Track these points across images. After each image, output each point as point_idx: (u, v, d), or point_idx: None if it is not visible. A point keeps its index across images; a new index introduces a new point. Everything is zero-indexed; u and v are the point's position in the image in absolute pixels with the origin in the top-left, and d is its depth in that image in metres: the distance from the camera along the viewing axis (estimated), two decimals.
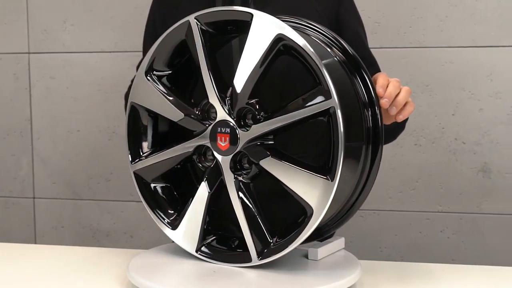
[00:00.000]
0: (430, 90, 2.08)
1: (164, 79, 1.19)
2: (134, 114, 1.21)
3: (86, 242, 2.38)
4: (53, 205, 2.41)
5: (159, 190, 1.21)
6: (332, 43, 1.14)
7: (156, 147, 1.21)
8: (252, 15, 1.06)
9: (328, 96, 1.00)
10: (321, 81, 1.01)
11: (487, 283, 1.16)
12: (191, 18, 1.13)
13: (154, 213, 1.20)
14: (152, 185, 1.21)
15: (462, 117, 2.08)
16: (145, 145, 1.22)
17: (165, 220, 1.19)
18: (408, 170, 2.13)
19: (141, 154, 1.21)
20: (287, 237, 1.05)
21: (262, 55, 1.05)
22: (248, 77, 1.06)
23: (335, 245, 1.20)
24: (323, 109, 1.01)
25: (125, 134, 1.22)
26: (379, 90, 1.10)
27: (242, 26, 1.10)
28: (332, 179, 1.00)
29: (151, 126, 1.23)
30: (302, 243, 1.07)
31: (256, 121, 1.08)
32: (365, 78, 1.11)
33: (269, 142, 1.09)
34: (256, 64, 1.06)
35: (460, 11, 2.06)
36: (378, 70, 1.44)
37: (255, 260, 1.08)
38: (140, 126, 1.22)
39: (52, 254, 1.36)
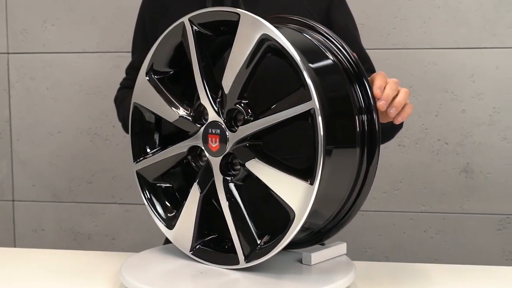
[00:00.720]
0: (414, 91, 2.10)
1: (165, 80, 1.20)
2: (137, 114, 1.23)
3: (67, 245, 2.35)
4: (33, 208, 2.37)
5: (160, 189, 1.23)
6: (334, 47, 1.13)
7: (159, 147, 1.23)
8: (239, 15, 1.05)
9: (308, 98, 0.98)
10: (303, 83, 0.99)
11: (483, 284, 1.17)
12: (185, 20, 1.12)
13: (153, 212, 1.21)
14: (154, 184, 1.22)
15: (445, 118, 2.10)
16: (148, 145, 1.23)
17: (163, 219, 1.20)
18: (392, 171, 2.14)
19: (143, 154, 1.23)
20: (273, 241, 1.04)
21: (248, 55, 1.04)
22: (235, 78, 1.05)
23: (334, 250, 1.18)
24: (303, 111, 0.98)
25: (129, 134, 1.25)
26: (376, 91, 1.08)
27: (233, 27, 1.09)
28: (312, 183, 0.97)
29: (154, 126, 1.24)
30: (300, 247, 1.06)
31: (245, 122, 1.07)
32: (365, 83, 1.09)
33: (257, 143, 1.08)
34: (243, 65, 1.06)
35: (443, 13, 2.07)
36: (371, 67, 1.44)
37: (242, 263, 1.07)
38: (143, 126, 1.23)
39: (36, 258, 1.34)
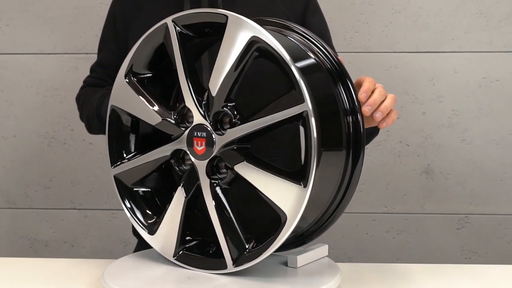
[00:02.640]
0: None
1: (145, 82, 1.17)
2: (115, 117, 1.19)
3: (23, 253, 2.27)
4: None
5: (139, 194, 1.20)
6: (315, 47, 1.13)
7: (137, 151, 1.19)
8: (227, 17, 1.04)
9: (300, 100, 0.97)
10: (294, 85, 0.98)
11: (469, 282, 1.20)
12: (169, 21, 1.10)
13: (133, 217, 1.18)
14: (132, 189, 1.19)
15: (406, 120, 2.14)
16: (126, 149, 1.20)
17: (144, 225, 1.17)
18: None
19: (121, 158, 1.20)
20: (262, 244, 1.03)
21: (237, 58, 1.02)
22: (223, 80, 1.04)
23: (317, 252, 1.18)
24: (295, 114, 0.98)
25: (106, 137, 1.21)
26: (361, 95, 1.08)
27: (218, 28, 1.08)
28: (306, 185, 0.97)
29: (132, 129, 1.21)
30: (283, 250, 1.05)
31: (232, 125, 1.06)
32: (348, 84, 1.10)
33: (245, 146, 1.06)
34: (231, 67, 1.04)
35: (403, 17, 2.12)
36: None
37: (230, 267, 1.06)
38: (121, 130, 1.20)
39: (6, 266, 1.29)
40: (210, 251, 1.13)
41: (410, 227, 2.18)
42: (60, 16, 2.19)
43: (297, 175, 0.99)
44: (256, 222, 1.13)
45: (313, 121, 0.96)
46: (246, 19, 1.03)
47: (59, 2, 2.18)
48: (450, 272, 1.24)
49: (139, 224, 1.18)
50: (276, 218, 1.04)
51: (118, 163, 1.20)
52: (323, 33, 1.45)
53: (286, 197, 0.99)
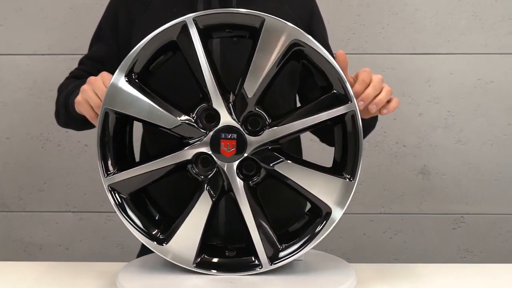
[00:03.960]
0: None
1: (148, 82, 1.12)
2: (109, 121, 1.11)
3: (17, 256, 2.23)
4: None
5: (141, 203, 1.14)
6: None
7: (142, 158, 1.15)
8: (264, 19, 1.04)
9: (346, 100, 1.05)
10: (333, 86, 1.04)
11: (481, 281, 1.21)
12: (189, 19, 1.07)
13: (136, 228, 1.11)
14: (131, 198, 1.12)
15: (402, 121, 2.16)
16: (122, 156, 1.13)
17: (151, 235, 1.11)
18: None
19: (119, 166, 1.11)
20: (303, 240, 1.07)
21: (277, 60, 1.04)
22: (261, 82, 1.04)
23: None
24: (341, 113, 1.05)
25: (97, 144, 1.11)
26: (357, 88, 1.09)
27: (241, 30, 1.08)
28: (353, 178, 1.06)
29: (129, 134, 1.17)
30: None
31: (265, 126, 1.07)
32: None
33: (277, 147, 1.08)
34: (270, 69, 1.06)
35: (400, 19, 2.14)
36: None
37: (267, 266, 1.07)
38: (116, 135, 1.12)
39: (13, 271, 1.27)
40: (228, 254, 1.12)
41: (407, 227, 2.20)
42: (55, 17, 2.16)
43: (337, 170, 1.07)
44: (274, 219, 1.14)
45: (359, 118, 1.04)
46: (286, 22, 1.04)
47: (54, 3, 2.15)
48: (446, 271, 1.27)
49: (144, 235, 1.11)
50: (290, 216, 1.11)
51: (114, 171, 1.11)
52: (325, 40, 1.47)
53: (331, 191, 1.06)
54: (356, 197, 2.17)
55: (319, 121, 1.05)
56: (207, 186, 1.09)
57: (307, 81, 1.37)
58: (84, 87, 1.19)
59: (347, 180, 1.06)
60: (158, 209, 1.17)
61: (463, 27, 2.13)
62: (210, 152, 1.08)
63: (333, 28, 2.12)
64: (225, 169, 1.08)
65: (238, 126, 1.06)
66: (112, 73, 1.20)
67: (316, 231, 1.07)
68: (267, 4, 1.39)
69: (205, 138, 1.08)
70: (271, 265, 1.07)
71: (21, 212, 2.23)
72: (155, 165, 1.10)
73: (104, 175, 1.10)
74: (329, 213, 1.07)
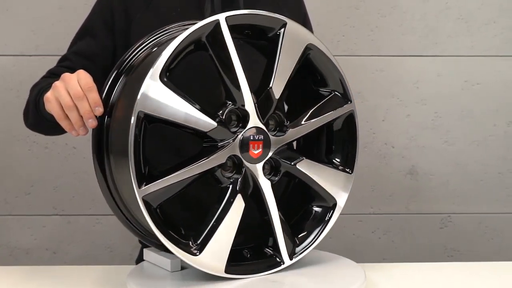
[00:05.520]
0: (362, 97, 2.17)
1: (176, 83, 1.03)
2: (141, 126, 0.98)
3: (2, 261, 2.19)
4: None
5: (171, 214, 1.05)
6: None
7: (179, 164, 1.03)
8: (285, 22, 1.07)
9: (347, 100, 1.16)
10: (336, 89, 1.15)
11: (448, 279, 1.24)
12: (222, 18, 1.03)
13: (173, 243, 1.01)
14: (158, 210, 1.02)
15: (391, 123, 2.19)
16: (155, 164, 1.03)
17: (187, 247, 1.02)
18: None
19: (151, 175, 1.00)
20: (313, 233, 1.16)
21: (297, 62, 1.07)
22: (286, 83, 1.08)
23: None
24: (344, 112, 1.15)
25: (128, 151, 0.97)
26: None
27: (259, 32, 1.08)
28: (352, 171, 1.20)
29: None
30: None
31: (285, 126, 1.10)
32: None
33: (289, 146, 1.13)
34: (292, 71, 1.09)
35: (389, 21, 2.16)
36: None
37: (287, 262, 1.10)
38: (151, 141, 1.01)
39: (14, 276, 1.24)
40: (249, 255, 1.12)
41: (395, 227, 2.23)
42: (42, 17, 2.13)
43: (343, 165, 1.20)
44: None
45: (357, 118, 1.19)
46: (302, 27, 1.09)
47: (41, 2, 2.12)
48: (434, 270, 1.30)
49: (181, 248, 1.01)
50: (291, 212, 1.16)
51: (150, 182, 0.98)
52: None
53: (336, 184, 1.16)
54: None
55: (327, 121, 1.13)
56: (238, 189, 1.06)
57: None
58: (57, 83, 1.08)
59: (348, 173, 1.19)
60: (177, 221, 1.07)
61: (450, 30, 2.17)
62: (239, 154, 1.06)
63: (323, 30, 2.14)
64: (252, 170, 1.07)
65: (263, 127, 1.07)
66: (101, 71, 1.22)
67: (326, 219, 1.17)
68: (267, 8, 1.40)
69: (235, 140, 1.05)
70: (291, 260, 1.10)
71: (7, 215, 2.19)
72: (190, 172, 1.01)
73: (138, 186, 0.97)
74: (335, 204, 1.17)
